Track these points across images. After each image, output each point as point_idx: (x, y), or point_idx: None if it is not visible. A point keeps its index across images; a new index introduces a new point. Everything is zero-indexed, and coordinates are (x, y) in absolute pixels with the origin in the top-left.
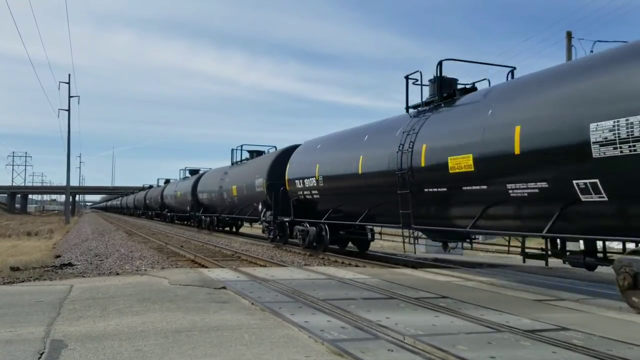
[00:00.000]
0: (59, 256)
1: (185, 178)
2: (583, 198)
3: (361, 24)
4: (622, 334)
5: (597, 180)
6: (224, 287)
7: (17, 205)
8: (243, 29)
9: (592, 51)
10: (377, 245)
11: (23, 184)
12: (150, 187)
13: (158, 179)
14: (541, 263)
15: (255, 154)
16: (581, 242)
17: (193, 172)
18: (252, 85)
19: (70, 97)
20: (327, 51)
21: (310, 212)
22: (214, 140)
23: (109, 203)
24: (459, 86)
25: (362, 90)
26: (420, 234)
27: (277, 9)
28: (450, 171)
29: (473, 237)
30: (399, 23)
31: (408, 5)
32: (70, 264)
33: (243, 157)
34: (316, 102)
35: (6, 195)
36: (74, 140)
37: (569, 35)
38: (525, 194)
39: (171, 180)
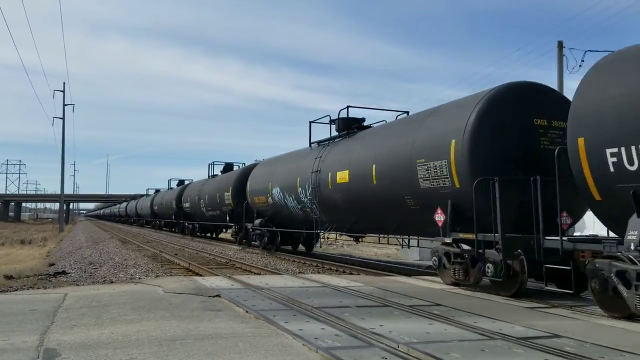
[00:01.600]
0: (52, 264)
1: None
2: None
3: (356, 32)
4: (614, 341)
5: None
6: (218, 295)
7: (11, 214)
8: (238, 37)
9: (583, 60)
10: (371, 252)
11: (17, 192)
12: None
13: (147, 189)
14: None
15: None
16: None
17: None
18: (246, 94)
19: (64, 105)
20: (322, 59)
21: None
22: (209, 148)
23: (103, 211)
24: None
25: (356, 98)
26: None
27: (272, 17)
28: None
29: None
30: (393, 31)
31: (403, 14)
32: (64, 272)
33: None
34: (310, 110)
35: (0, 203)
36: (69, 149)
37: (560, 45)
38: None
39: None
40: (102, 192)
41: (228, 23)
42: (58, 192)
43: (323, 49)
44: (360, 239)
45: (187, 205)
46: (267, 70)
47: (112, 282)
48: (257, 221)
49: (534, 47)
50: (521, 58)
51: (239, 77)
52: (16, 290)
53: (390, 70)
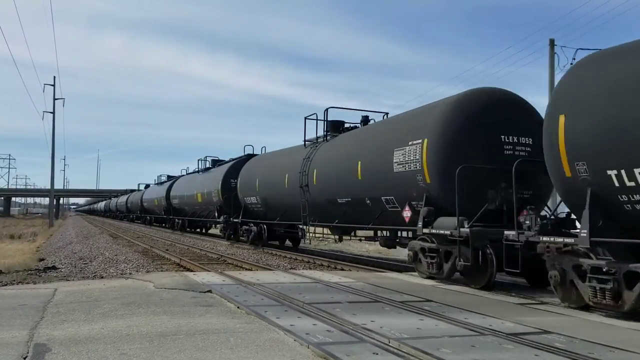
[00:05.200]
0: (42, 259)
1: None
2: None
3: (354, 28)
4: (603, 337)
5: None
6: (209, 291)
7: (0, 208)
8: (236, 33)
9: (574, 59)
10: (362, 249)
11: (6, 187)
12: (132, 191)
13: (139, 184)
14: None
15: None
16: None
17: (170, 178)
18: (243, 89)
19: (55, 99)
20: (319, 55)
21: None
22: (204, 144)
23: (93, 206)
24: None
25: (354, 95)
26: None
27: (270, 12)
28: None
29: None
30: (391, 29)
31: (401, 11)
32: (54, 267)
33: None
34: (307, 107)
35: None
36: (59, 143)
37: (552, 43)
38: None
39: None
40: (92, 187)
41: (226, 19)
42: (48, 186)
43: (320, 45)
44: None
45: (252, 200)
46: (264, 66)
47: (102, 278)
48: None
49: (526, 45)
50: (514, 55)
51: (236, 73)
52: (5, 285)
53: (387, 66)
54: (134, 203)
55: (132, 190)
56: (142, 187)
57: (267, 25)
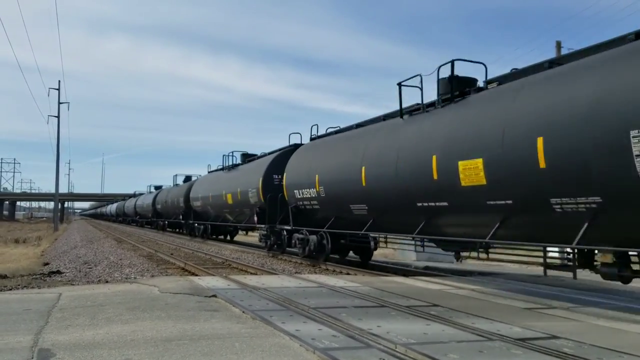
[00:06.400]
0: (47, 264)
1: (177, 185)
2: None
3: (357, 31)
4: (612, 342)
5: None
6: (214, 295)
7: (5, 212)
8: (239, 36)
9: None
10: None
11: (11, 191)
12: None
13: (149, 186)
14: (531, 271)
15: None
16: None
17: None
18: (246, 92)
19: (60, 103)
20: (322, 58)
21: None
22: (208, 147)
23: (98, 210)
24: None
25: (358, 97)
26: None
27: (273, 15)
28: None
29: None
30: (394, 31)
31: (404, 13)
32: (58, 272)
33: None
34: (311, 110)
35: None
36: (64, 147)
37: (559, 45)
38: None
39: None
40: (97, 191)
41: (229, 22)
42: (53, 190)
43: (324, 48)
44: None
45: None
46: (267, 69)
47: (107, 282)
48: None
49: (533, 47)
50: (521, 57)
51: (239, 76)
52: (10, 289)
53: (391, 69)
54: (170, 203)
55: (159, 187)
56: (179, 180)
57: (270, 28)
